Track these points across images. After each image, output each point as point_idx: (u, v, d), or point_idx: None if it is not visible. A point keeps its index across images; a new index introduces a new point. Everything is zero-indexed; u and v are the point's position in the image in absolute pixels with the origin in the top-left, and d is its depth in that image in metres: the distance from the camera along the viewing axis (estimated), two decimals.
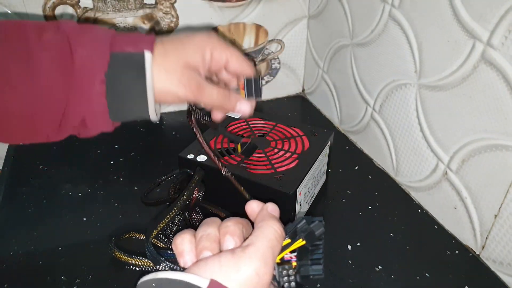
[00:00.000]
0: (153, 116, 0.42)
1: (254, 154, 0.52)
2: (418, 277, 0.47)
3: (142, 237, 0.51)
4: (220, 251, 0.33)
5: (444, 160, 0.52)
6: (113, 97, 0.39)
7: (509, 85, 0.42)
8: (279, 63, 0.84)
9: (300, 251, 0.35)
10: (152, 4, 0.70)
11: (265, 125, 0.59)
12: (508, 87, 0.42)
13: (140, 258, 0.39)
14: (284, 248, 0.34)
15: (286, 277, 0.34)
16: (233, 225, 0.34)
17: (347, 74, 0.70)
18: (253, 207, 0.37)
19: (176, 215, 0.48)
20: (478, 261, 0.50)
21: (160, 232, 0.47)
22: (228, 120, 0.60)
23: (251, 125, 0.59)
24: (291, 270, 0.34)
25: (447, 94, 0.50)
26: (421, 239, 0.53)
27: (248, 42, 0.79)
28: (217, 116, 0.46)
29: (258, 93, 0.45)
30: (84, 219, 0.54)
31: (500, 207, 0.46)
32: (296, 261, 0.35)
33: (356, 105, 0.69)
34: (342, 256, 0.50)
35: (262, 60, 0.82)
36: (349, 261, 0.49)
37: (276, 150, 0.53)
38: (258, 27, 0.78)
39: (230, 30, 0.76)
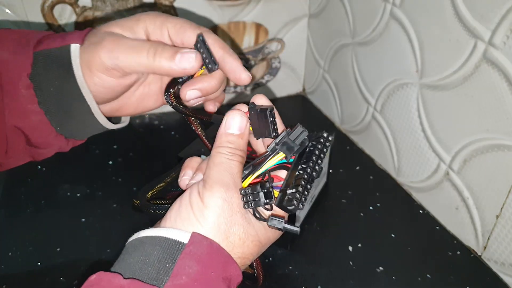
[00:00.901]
0: (102, 119, 0.38)
1: (254, 154, 0.52)
2: (419, 278, 0.47)
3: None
4: None
5: (445, 161, 0.52)
6: (48, 103, 0.36)
7: (511, 84, 0.42)
8: (279, 62, 0.83)
9: (288, 176, 0.31)
10: (151, 3, 0.70)
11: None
12: (510, 87, 0.42)
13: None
14: (262, 167, 0.31)
15: (245, 198, 0.31)
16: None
17: (348, 73, 0.69)
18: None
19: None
20: (479, 262, 0.49)
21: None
22: None
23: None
24: (249, 190, 0.30)
25: (448, 93, 0.49)
26: (423, 240, 0.52)
27: (248, 41, 0.78)
28: (210, 106, 0.41)
29: (210, 60, 0.35)
30: (83, 219, 0.54)
31: (502, 208, 0.46)
32: (282, 185, 0.31)
33: (357, 104, 0.68)
34: (343, 257, 0.50)
35: (262, 59, 0.82)
36: (350, 262, 0.49)
37: None
38: (258, 26, 0.77)
39: (230, 29, 0.76)
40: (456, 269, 0.48)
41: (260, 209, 0.32)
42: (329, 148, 0.32)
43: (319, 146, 0.31)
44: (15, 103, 0.35)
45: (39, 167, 0.64)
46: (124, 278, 0.28)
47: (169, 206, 0.34)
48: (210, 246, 0.29)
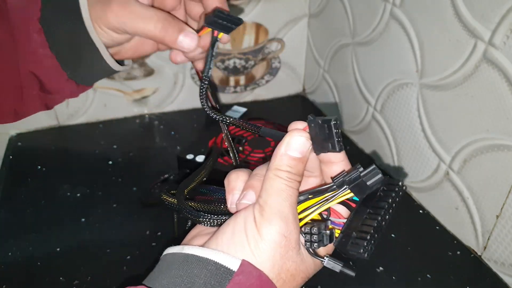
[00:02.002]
0: (110, 60, 0.38)
1: (254, 154, 0.52)
2: (419, 278, 0.47)
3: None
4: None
5: (445, 161, 0.52)
6: (58, 46, 0.36)
7: (511, 84, 0.42)
8: (279, 62, 0.83)
9: (352, 217, 0.29)
10: None
11: (265, 125, 0.58)
12: (510, 87, 0.42)
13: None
14: (325, 200, 0.29)
15: (309, 237, 0.29)
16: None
17: (348, 73, 0.69)
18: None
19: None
20: (479, 262, 0.49)
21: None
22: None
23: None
24: (315, 229, 0.28)
25: (448, 93, 0.49)
26: (423, 240, 0.52)
27: (248, 41, 0.78)
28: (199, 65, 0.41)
29: (227, 28, 0.35)
30: (83, 219, 0.54)
31: (502, 208, 0.46)
32: (343, 227, 0.29)
33: (357, 104, 0.68)
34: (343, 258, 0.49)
35: (262, 59, 0.82)
36: (350, 262, 0.49)
37: None
38: (258, 26, 0.77)
39: None
40: (456, 269, 0.48)
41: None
42: (400, 199, 0.29)
43: (393, 195, 0.29)
44: (27, 48, 0.36)
45: (39, 167, 0.64)
46: None
47: (210, 217, 0.32)
48: (259, 278, 0.28)
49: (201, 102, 0.35)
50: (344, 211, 0.31)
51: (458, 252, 0.51)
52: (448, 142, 0.51)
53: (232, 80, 0.82)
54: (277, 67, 0.84)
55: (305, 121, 0.30)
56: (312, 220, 0.29)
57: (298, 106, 0.85)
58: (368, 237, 0.27)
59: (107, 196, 0.58)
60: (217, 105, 0.38)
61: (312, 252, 0.29)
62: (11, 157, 0.66)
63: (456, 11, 0.46)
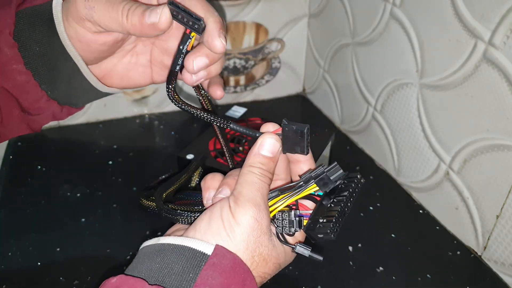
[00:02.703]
0: (91, 77, 0.37)
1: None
2: (419, 278, 0.47)
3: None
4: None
5: (445, 161, 0.52)
6: (35, 63, 0.35)
7: (511, 84, 0.42)
8: (279, 62, 0.83)
9: (318, 206, 0.33)
10: None
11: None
12: (510, 87, 0.42)
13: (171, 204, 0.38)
14: (294, 193, 0.33)
15: (280, 223, 0.32)
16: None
17: (348, 73, 0.69)
18: (269, 130, 0.35)
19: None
20: (479, 262, 0.49)
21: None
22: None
23: (251, 125, 0.58)
24: (285, 215, 0.32)
25: (448, 93, 0.49)
26: (423, 240, 0.52)
27: (248, 41, 0.78)
28: (217, 92, 0.39)
29: (191, 18, 0.32)
30: (83, 219, 0.54)
31: (502, 208, 0.46)
32: (310, 216, 0.32)
33: (357, 104, 0.68)
34: (343, 257, 0.49)
35: (262, 59, 0.82)
36: (350, 262, 0.49)
37: None
38: (258, 26, 0.77)
39: (230, 29, 0.76)
40: (456, 269, 0.48)
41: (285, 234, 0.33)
42: (359, 189, 0.33)
43: (352, 185, 0.33)
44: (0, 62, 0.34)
45: (39, 167, 0.64)
46: (150, 284, 0.28)
47: (187, 214, 0.35)
48: (233, 260, 0.30)
49: (167, 91, 0.35)
50: (310, 205, 0.34)
51: (458, 252, 0.51)
52: (448, 142, 0.51)
53: (232, 80, 0.82)
54: (277, 67, 0.84)
55: (279, 123, 0.33)
56: (281, 211, 0.33)
57: (298, 106, 0.85)
58: (334, 220, 0.31)
59: (107, 196, 0.58)
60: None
61: (282, 239, 0.33)
62: (11, 157, 0.66)
63: (456, 11, 0.46)
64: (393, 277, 0.47)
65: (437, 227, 0.54)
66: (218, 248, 0.29)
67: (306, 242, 0.34)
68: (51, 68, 0.36)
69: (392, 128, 0.61)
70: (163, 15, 0.32)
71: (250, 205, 0.31)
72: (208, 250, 0.29)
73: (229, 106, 0.77)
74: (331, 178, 0.32)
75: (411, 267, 0.48)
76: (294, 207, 0.34)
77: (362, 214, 0.56)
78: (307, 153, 0.33)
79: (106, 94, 0.42)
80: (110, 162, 0.65)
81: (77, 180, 0.61)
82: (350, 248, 0.51)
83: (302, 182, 0.33)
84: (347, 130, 0.74)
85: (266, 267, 0.32)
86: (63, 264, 0.48)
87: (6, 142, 0.70)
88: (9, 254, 0.49)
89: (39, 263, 0.48)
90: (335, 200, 0.32)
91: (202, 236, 0.31)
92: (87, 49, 0.36)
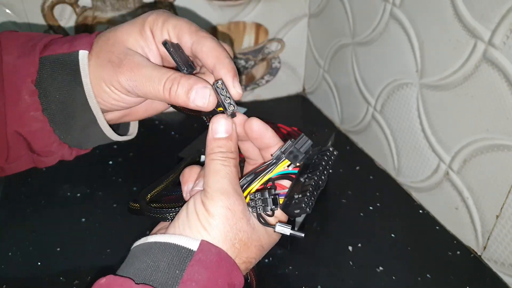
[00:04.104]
0: (107, 130, 0.38)
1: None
2: (419, 278, 0.47)
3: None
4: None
5: (445, 161, 0.52)
6: (53, 111, 0.35)
7: (511, 84, 0.42)
8: (279, 62, 0.83)
9: (293, 184, 0.33)
10: (151, 3, 0.70)
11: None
12: (510, 87, 0.42)
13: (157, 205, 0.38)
14: (267, 174, 0.33)
15: (255, 204, 0.32)
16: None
17: (348, 73, 0.69)
18: (253, 127, 0.34)
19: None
20: (479, 262, 0.49)
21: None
22: None
23: None
24: (258, 195, 0.32)
25: (448, 93, 0.49)
26: (423, 240, 0.52)
27: (248, 41, 0.78)
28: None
29: (183, 63, 0.33)
30: (83, 219, 0.54)
31: (501, 208, 0.46)
32: (286, 193, 0.32)
33: (357, 104, 0.68)
34: (343, 257, 0.49)
35: (262, 59, 0.82)
36: (350, 262, 0.49)
37: None
38: (258, 26, 0.77)
39: (230, 29, 0.76)
40: (456, 269, 0.48)
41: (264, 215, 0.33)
42: (333, 161, 0.33)
43: (325, 158, 0.33)
44: (17, 109, 0.34)
45: None
46: (136, 283, 0.28)
47: (171, 211, 0.35)
48: (218, 254, 0.30)
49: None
50: (288, 184, 0.34)
51: (458, 252, 0.51)
52: (448, 142, 0.51)
53: None
54: (277, 67, 0.84)
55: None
56: (256, 191, 0.33)
57: (298, 106, 0.85)
58: (308, 194, 0.31)
59: (107, 196, 0.58)
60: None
61: (262, 220, 0.33)
62: None
63: (456, 11, 0.46)
64: (393, 277, 0.47)
65: (437, 227, 0.54)
66: (204, 244, 0.30)
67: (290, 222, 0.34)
68: (68, 116, 0.36)
69: (392, 128, 0.61)
70: (210, 100, 0.32)
71: (219, 195, 0.31)
72: (194, 246, 0.30)
73: None
74: (300, 149, 0.32)
75: (411, 267, 0.48)
76: (269, 185, 0.33)
77: (361, 214, 0.56)
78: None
79: (118, 141, 0.43)
80: (110, 162, 0.65)
81: (77, 180, 0.61)
82: (350, 248, 0.51)
83: (274, 160, 0.33)
84: (347, 130, 0.74)
85: (248, 251, 0.32)
86: (63, 264, 0.48)
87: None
88: (9, 254, 0.49)
89: (39, 263, 0.48)
90: (309, 175, 0.32)
91: (181, 232, 0.31)
92: (119, 104, 0.36)
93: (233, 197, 0.31)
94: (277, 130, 0.57)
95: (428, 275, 0.47)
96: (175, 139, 0.72)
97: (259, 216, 0.33)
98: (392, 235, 0.53)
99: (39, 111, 0.35)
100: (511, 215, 0.45)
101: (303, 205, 0.30)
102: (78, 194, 0.58)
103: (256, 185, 0.33)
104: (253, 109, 0.64)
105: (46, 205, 0.56)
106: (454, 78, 0.48)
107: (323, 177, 0.32)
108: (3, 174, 0.40)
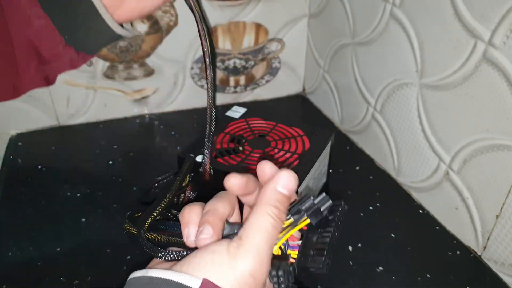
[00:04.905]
0: (108, 17, 0.36)
1: (254, 154, 0.52)
2: (419, 278, 0.47)
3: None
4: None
5: (445, 160, 0.52)
6: (51, 6, 0.34)
7: (511, 84, 0.42)
8: (279, 62, 0.83)
9: (306, 238, 0.31)
10: None
11: (265, 125, 0.58)
12: (510, 87, 0.42)
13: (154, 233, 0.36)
14: (286, 230, 0.30)
15: (278, 277, 0.30)
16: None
17: (348, 73, 0.69)
18: (265, 170, 0.31)
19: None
20: (479, 262, 0.49)
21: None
22: (227, 120, 0.59)
23: (251, 125, 0.58)
24: (280, 272, 0.30)
25: (448, 93, 0.49)
26: (422, 239, 0.52)
27: (248, 41, 0.78)
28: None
29: None
30: (83, 219, 0.54)
31: (501, 208, 0.46)
32: (299, 249, 0.31)
33: (357, 104, 0.68)
34: (343, 257, 0.49)
35: (262, 59, 0.82)
36: (350, 262, 0.49)
37: (276, 150, 0.53)
38: (258, 26, 0.77)
39: (230, 29, 0.76)
40: (456, 269, 0.48)
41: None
42: (344, 217, 0.32)
43: (338, 214, 0.32)
44: (16, 11, 0.33)
45: (39, 167, 0.64)
46: None
47: (165, 252, 0.32)
48: None
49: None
50: (296, 234, 0.32)
51: (458, 252, 0.51)
52: (448, 142, 0.51)
53: (232, 80, 0.82)
54: (277, 67, 0.84)
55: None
56: (274, 256, 0.30)
57: (298, 106, 0.86)
58: (325, 253, 0.29)
59: (107, 196, 0.58)
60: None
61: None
62: (11, 157, 0.66)
63: (456, 11, 0.46)
64: (393, 277, 0.47)
65: (437, 227, 0.54)
66: (205, 283, 0.27)
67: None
68: (68, 11, 0.35)
69: (392, 128, 0.61)
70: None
71: (253, 257, 0.28)
72: (195, 284, 0.27)
73: (229, 106, 0.77)
74: (322, 209, 0.30)
75: (411, 267, 0.48)
76: (298, 244, 0.32)
77: (362, 214, 0.56)
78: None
79: (120, 37, 0.40)
80: (110, 162, 0.65)
81: (77, 180, 0.61)
82: (350, 248, 0.51)
83: (293, 217, 0.31)
84: (347, 130, 0.74)
85: None
86: (63, 264, 0.48)
87: (6, 142, 0.70)
88: (9, 254, 0.49)
89: (39, 263, 0.48)
90: (322, 230, 0.31)
91: (191, 270, 0.29)
92: None
93: (264, 266, 0.28)
94: (277, 130, 0.57)
95: (428, 275, 0.47)
96: (175, 139, 0.72)
97: (277, 287, 0.31)
98: (392, 235, 0.53)
99: (38, 6, 0.34)
100: (511, 215, 0.45)
101: (321, 265, 0.29)
102: (78, 194, 0.58)
103: (281, 241, 0.31)
104: (253, 109, 0.64)
105: (46, 205, 0.56)
106: (454, 78, 0.48)
107: (336, 234, 0.31)
108: (17, 95, 0.38)
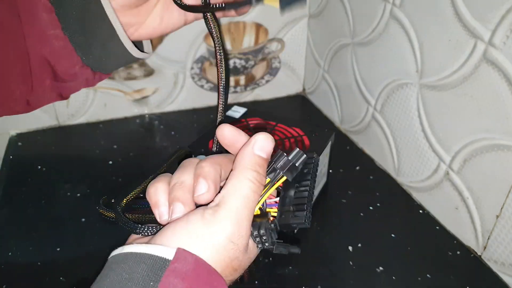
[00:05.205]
0: (126, 41, 0.36)
1: None
2: (419, 278, 0.47)
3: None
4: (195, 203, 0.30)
5: (445, 160, 0.52)
6: (72, 28, 0.34)
7: (511, 84, 0.42)
8: (279, 62, 0.83)
9: (284, 194, 0.31)
10: None
11: (265, 125, 0.58)
12: (510, 87, 0.42)
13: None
14: (264, 191, 0.30)
15: (261, 237, 0.30)
16: (208, 166, 0.30)
17: (348, 73, 0.69)
18: (225, 134, 0.31)
19: None
20: (479, 262, 0.49)
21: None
22: (227, 120, 0.59)
23: (251, 125, 0.58)
24: (262, 231, 0.29)
25: (448, 93, 0.49)
26: (423, 240, 0.52)
27: (248, 41, 0.78)
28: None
29: None
30: (83, 219, 0.54)
31: (501, 208, 0.46)
32: (278, 206, 0.31)
33: (357, 104, 0.68)
34: (343, 257, 0.49)
35: (262, 59, 0.82)
36: (350, 262, 0.49)
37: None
38: (258, 26, 0.77)
39: (230, 29, 0.76)
40: (456, 269, 0.48)
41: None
42: (317, 167, 0.32)
43: (312, 167, 0.31)
44: (35, 28, 0.33)
45: (39, 167, 0.64)
46: None
47: (143, 228, 0.32)
48: (196, 262, 0.27)
49: None
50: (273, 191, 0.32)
51: (458, 252, 0.51)
52: (448, 142, 0.51)
53: (232, 80, 0.82)
54: (277, 67, 0.84)
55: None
56: (255, 216, 0.30)
57: (298, 106, 0.86)
58: (305, 207, 0.29)
59: (107, 196, 0.58)
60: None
61: (260, 246, 0.31)
62: (11, 157, 0.66)
63: (456, 11, 0.46)
64: (393, 277, 0.47)
65: (437, 227, 0.54)
66: (179, 252, 0.27)
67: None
68: (88, 33, 0.35)
69: (392, 128, 0.61)
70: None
71: (229, 223, 0.28)
72: (169, 254, 0.27)
73: (229, 106, 0.77)
74: (297, 165, 0.30)
75: (411, 267, 0.48)
76: (276, 201, 0.32)
77: (362, 214, 0.56)
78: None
79: (138, 59, 0.41)
80: (110, 162, 0.65)
81: (77, 180, 0.61)
82: (350, 248, 0.51)
83: (271, 178, 0.31)
84: (347, 130, 0.74)
85: (235, 274, 0.30)
86: (63, 264, 0.48)
87: (6, 142, 0.70)
88: (9, 254, 0.49)
89: (39, 263, 0.48)
90: (298, 185, 0.31)
91: (165, 241, 0.28)
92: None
93: (243, 230, 0.28)
94: (277, 130, 0.57)
95: (428, 275, 0.47)
96: (175, 139, 0.72)
97: (262, 247, 0.31)
98: (392, 235, 0.53)
99: (59, 28, 0.34)
100: (511, 215, 0.45)
101: (304, 220, 0.29)
102: (78, 194, 0.58)
103: (259, 203, 0.31)
104: (253, 109, 0.64)
105: (46, 205, 0.56)
106: (454, 78, 0.48)
107: (313, 186, 0.31)
108: (30, 110, 0.38)
